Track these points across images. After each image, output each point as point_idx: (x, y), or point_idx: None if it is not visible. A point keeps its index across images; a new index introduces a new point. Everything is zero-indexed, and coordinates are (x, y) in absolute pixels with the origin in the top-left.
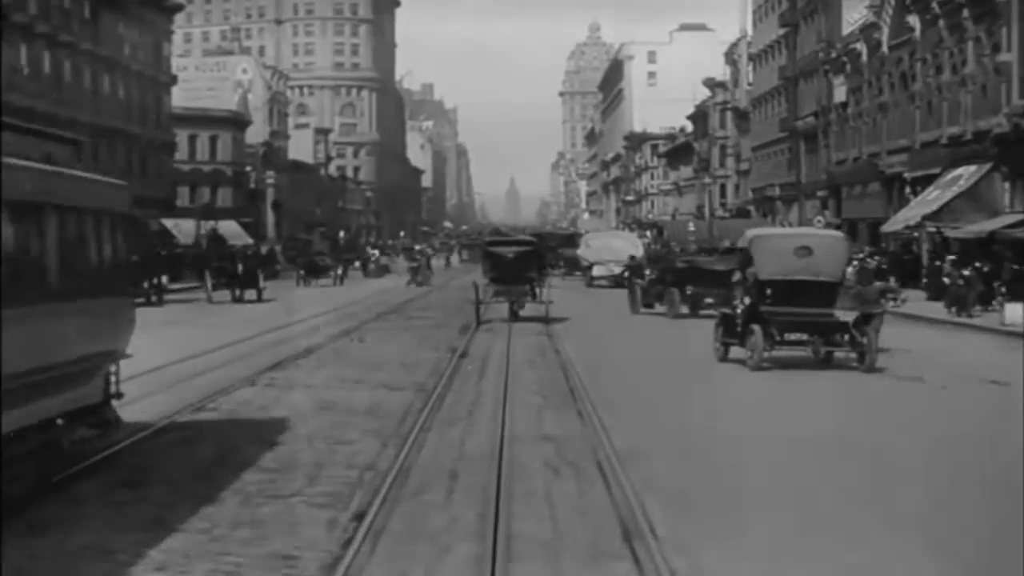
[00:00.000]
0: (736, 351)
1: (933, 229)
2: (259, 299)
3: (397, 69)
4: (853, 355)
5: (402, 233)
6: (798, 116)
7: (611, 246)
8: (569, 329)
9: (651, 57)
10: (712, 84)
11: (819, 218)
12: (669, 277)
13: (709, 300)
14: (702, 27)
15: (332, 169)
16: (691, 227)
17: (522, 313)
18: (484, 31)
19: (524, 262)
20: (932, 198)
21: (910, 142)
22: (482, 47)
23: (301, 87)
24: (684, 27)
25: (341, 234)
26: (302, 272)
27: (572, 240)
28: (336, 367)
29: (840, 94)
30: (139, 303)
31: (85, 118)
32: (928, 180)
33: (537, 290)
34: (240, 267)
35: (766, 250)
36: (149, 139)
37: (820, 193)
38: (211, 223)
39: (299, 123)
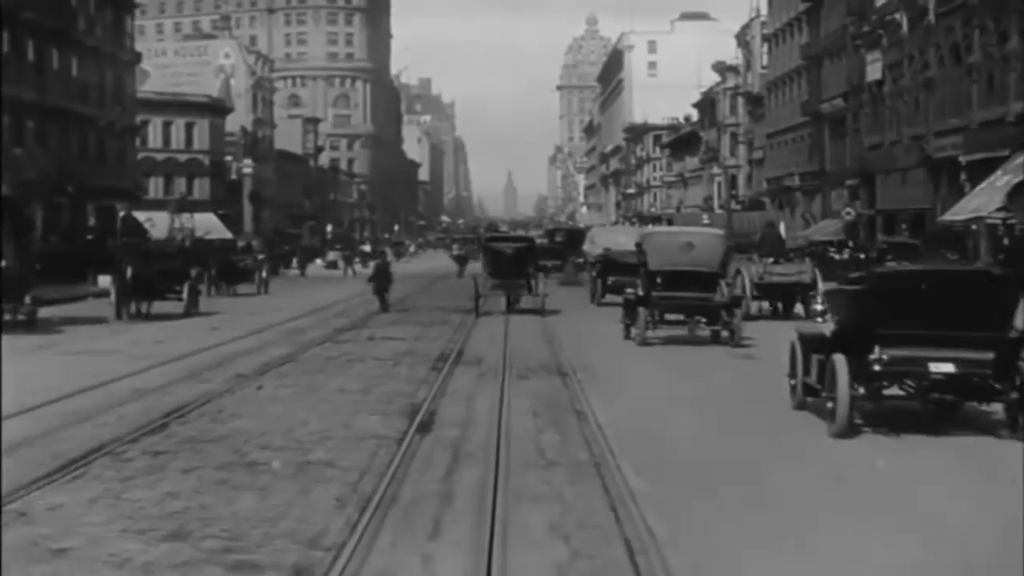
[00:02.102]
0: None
1: (997, 220)
2: (187, 312)
3: (394, 63)
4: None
5: (396, 227)
6: (822, 99)
7: (617, 241)
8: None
9: (651, 47)
10: (722, 68)
11: (848, 210)
12: (596, 269)
13: (629, 290)
14: (704, 16)
15: (325, 161)
16: (705, 220)
17: (511, 307)
18: (482, 26)
19: (521, 258)
20: (1002, 184)
21: (964, 122)
22: (480, 42)
23: (293, 77)
24: (685, 16)
25: (329, 228)
26: (213, 274)
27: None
28: (175, 472)
29: (875, 71)
30: None
31: (29, 97)
32: (989, 164)
33: (532, 284)
34: (129, 270)
35: (656, 245)
36: (109, 123)
37: (849, 182)
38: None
39: (292, 114)
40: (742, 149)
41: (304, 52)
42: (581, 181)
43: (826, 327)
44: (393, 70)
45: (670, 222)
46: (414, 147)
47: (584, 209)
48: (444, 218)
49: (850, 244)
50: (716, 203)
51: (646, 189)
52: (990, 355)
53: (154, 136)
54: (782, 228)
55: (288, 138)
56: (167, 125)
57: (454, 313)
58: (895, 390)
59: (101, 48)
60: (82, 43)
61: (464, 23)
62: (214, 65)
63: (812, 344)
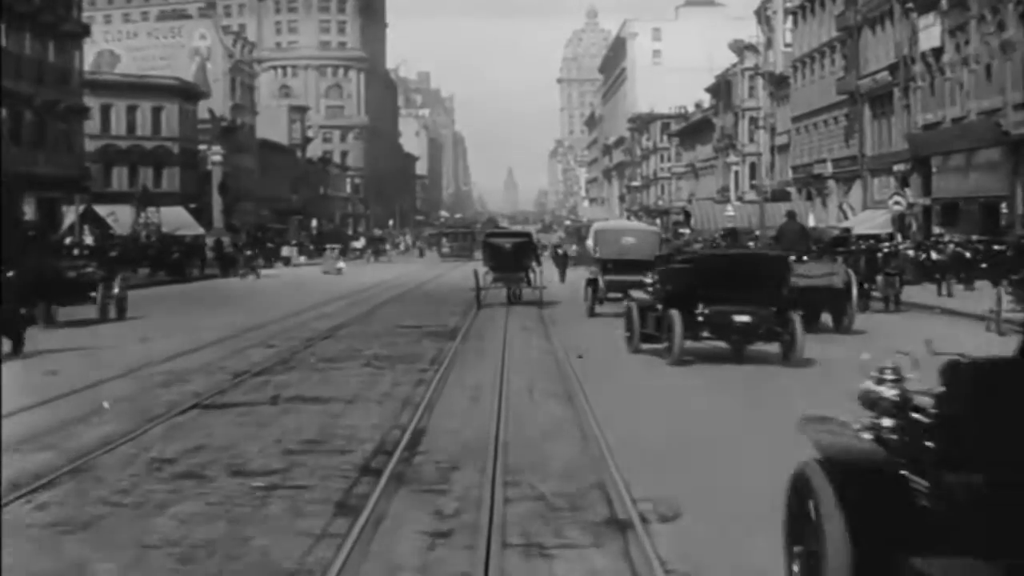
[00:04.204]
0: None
1: None
2: (16, 349)
3: (391, 54)
4: None
5: (391, 222)
6: (862, 74)
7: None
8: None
9: (656, 34)
10: (739, 47)
11: (897, 199)
12: None
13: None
14: (710, 2)
15: (317, 153)
16: (729, 211)
17: (512, 301)
18: (481, 20)
19: (521, 252)
20: None
21: None
22: (479, 37)
23: (284, 67)
24: (691, 2)
25: (314, 223)
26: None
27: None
28: None
29: (931, 38)
30: None
31: None
32: None
33: (532, 276)
34: None
35: (605, 239)
36: (48, 102)
37: (897, 167)
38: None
39: (282, 105)
40: (762, 135)
41: (295, 41)
42: (582, 175)
43: (652, 295)
44: (389, 61)
45: (687, 215)
46: (412, 140)
47: (586, 203)
48: (443, 213)
49: (897, 238)
50: (733, 194)
51: (653, 181)
52: (773, 309)
53: (117, 122)
54: (811, 220)
55: (275, 128)
56: (131, 110)
57: (429, 338)
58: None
59: (38, 17)
60: (13, 9)
61: (463, 17)
62: (189, 48)
63: (647, 307)
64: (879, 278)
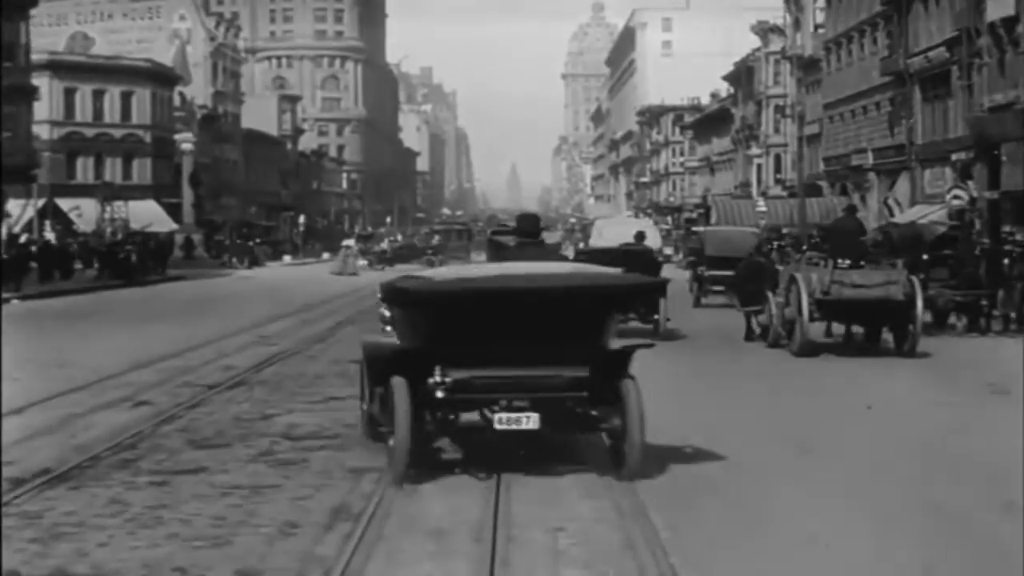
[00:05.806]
0: None
1: None
2: None
3: (390, 46)
4: None
5: (388, 219)
6: (912, 52)
7: (627, 233)
8: None
9: (666, 24)
10: (764, 29)
11: (957, 192)
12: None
13: None
14: None
15: (311, 146)
16: (760, 206)
17: None
18: (483, 15)
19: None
20: None
21: None
22: (481, 32)
23: (279, 58)
24: None
25: (302, 219)
26: None
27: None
28: None
29: (1003, 6)
30: None
31: None
32: None
33: None
34: None
35: (713, 239)
36: None
37: (956, 156)
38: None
39: (271, 95)
40: (788, 125)
41: (290, 30)
42: (587, 172)
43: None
44: (391, 56)
45: (707, 211)
46: (412, 136)
47: (591, 201)
48: (444, 210)
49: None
50: (755, 189)
51: (664, 177)
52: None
53: (82, 107)
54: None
55: (264, 119)
56: (98, 94)
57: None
58: None
59: None
60: None
61: (466, 12)
62: (168, 30)
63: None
64: (1000, 292)
